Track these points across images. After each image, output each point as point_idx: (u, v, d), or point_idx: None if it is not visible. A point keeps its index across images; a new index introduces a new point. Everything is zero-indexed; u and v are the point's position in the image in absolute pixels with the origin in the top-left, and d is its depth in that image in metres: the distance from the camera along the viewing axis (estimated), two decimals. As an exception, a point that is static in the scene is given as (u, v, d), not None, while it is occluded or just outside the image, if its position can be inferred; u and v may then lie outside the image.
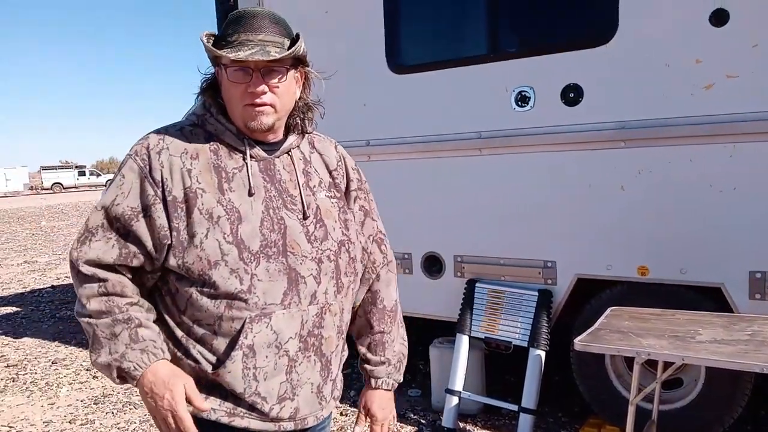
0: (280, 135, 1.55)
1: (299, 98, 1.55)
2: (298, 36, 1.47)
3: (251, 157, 1.49)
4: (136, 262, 1.45)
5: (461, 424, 3.69)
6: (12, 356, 5.53)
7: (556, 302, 3.43)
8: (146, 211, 1.42)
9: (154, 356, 1.42)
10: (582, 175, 3.27)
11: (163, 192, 1.42)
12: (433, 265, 3.83)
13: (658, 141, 3.05)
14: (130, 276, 1.47)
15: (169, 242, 1.42)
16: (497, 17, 3.58)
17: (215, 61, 1.48)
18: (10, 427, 4.06)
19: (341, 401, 3.60)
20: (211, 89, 1.53)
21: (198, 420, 1.42)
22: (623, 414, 2.62)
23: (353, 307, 1.70)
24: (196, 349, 1.47)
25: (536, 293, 3.45)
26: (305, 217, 1.52)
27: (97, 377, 4.85)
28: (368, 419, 1.76)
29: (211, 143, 1.49)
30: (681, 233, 3.05)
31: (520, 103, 3.41)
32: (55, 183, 50.99)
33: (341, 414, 3.89)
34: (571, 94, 3.25)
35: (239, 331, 1.43)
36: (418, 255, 3.86)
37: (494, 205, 3.56)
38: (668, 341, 2.44)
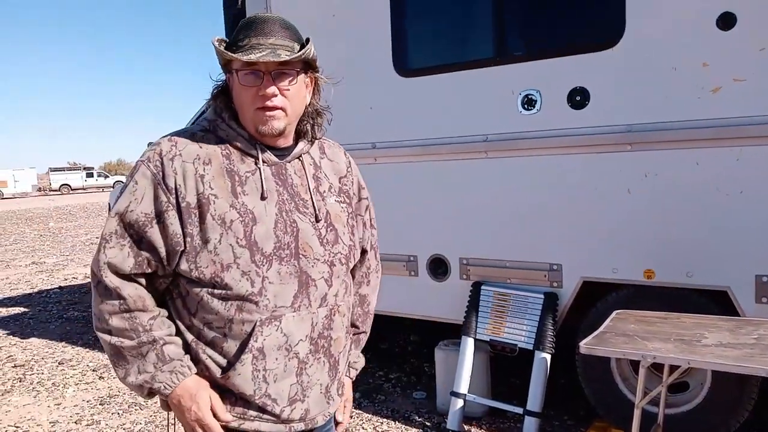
0: (290, 140, 1.57)
1: (309, 104, 1.57)
2: (308, 40, 1.50)
3: (263, 161, 1.51)
4: (150, 269, 1.47)
5: (466, 427, 3.69)
6: (19, 356, 5.56)
7: (561, 305, 3.43)
8: (159, 217, 1.43)
9: (182, 375, 1.47)
10: (588, 179, 3.27)
11: (176, 198, 1.43)
12: (438, 267, 3.84)
13: (665, 144, 3.05)
14: (145, 283, 1.48)
15: (183, 248, 1.44)
16: (504, 20, 3.58)
17: (227, 67, 1.51)
18: (17, 427, 4.09)
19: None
20: (222, 95, 1.55)
21: None
22: (629, 417, 2.61)
23: None
24: (205, 354, 1.48)
25: (542, 296, 3.44)
26: (317, 221, 1.55)
27: (103, 378, 4.87)
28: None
29: (223, 148, 1.50)
30: (687, 236, 3.05)
31: (526, 106, 3.41)
32: (63, 184, 51.22)
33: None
34: (578, 98, 3.25)
35: (249, 334, 1.45)
36: (424, 257, 3.86)
37: (500, 207, 3.56)
38: (674, 345, 2.43)
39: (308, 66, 1.52)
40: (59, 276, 9.75)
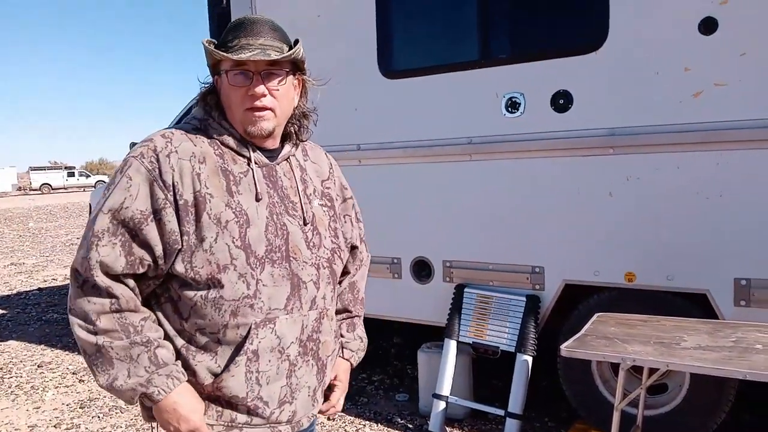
0: (278, 142, 1.57)
1: (296, 106, 1.57)
2: (296, 42, 1.51)
3: (255, 162, 1.51)
4: (141, 269, 1.42)
5: (448, 429, 3.69)
6: (-3, 358, 5.48)
7: (543, 307, 3.45)
8: (156, 214, 1.40)
9: (178, 381, 1.43)
10: (571, 182, 3.29)
11: (174, 196, 1.40)
12: (422, 269, 3.84)
13: (647, 148, 3.08)
14: (133, 285, 1.44)
15: (180, 247, 1.41)
16: (488, 23, 3.59)
17: (215, 68, 1.51)
18: (-6, 430, 4.03)
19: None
20: (211, 95, 1.54)
21: None
22: (609, 419, 2.63)
23: None
24: (195, 360, 1.46)
25: (524, 298, 3.46)
26: (305, 223, 1.55)
27: (83, 381, 4.81)
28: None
29: (216, 147, 1.49)
30: (668, 240, 3.08)
31: (510, 109, 3.43)
32: (43, 184, 50.65)
33: (328, 419, 3.89)
34: (561, 101, 3.27)
35: (245, 338, 1.44)
36: (408, 260, 3.86)
37: (483, 210, 3.57)
38: (653, 347, 2.46)
39: (296, 67, 1.53)
40: (38, 277, 9.62)
